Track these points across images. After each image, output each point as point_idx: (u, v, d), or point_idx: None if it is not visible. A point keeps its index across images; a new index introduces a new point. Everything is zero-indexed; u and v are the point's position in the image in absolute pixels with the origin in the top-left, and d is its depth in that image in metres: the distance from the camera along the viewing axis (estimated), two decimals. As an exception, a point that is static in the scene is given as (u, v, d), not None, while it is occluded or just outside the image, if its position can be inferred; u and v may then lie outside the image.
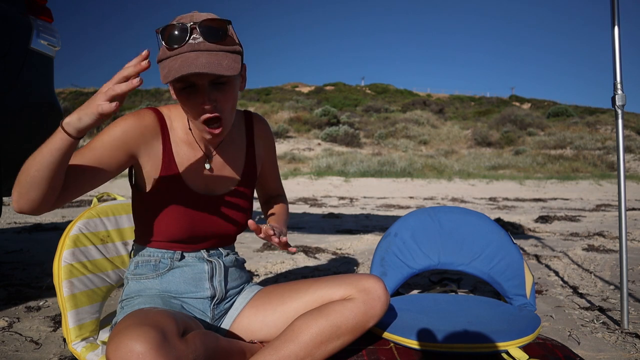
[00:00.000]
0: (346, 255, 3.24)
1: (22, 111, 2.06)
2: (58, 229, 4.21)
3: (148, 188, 1.17)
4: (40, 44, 2.13)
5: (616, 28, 1.71)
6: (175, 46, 1.00)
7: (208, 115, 1.06)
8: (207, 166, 1.21)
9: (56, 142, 0.92)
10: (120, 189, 11.05)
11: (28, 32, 2.07)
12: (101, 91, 0.88)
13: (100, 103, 0.88)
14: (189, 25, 1.00)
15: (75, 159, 1.04)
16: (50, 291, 2.14)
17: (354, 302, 1.19)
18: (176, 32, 0.99)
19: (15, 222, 4.74)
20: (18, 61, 2.02)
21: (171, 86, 1.08)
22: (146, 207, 1.19)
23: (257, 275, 2.62)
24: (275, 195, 1.49)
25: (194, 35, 1.00)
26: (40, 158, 0.93)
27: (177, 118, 1.20)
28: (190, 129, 1.19)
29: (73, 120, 0.90)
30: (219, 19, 1.02)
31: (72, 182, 1.02)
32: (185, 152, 1.19)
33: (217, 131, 1.09)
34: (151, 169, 1.16)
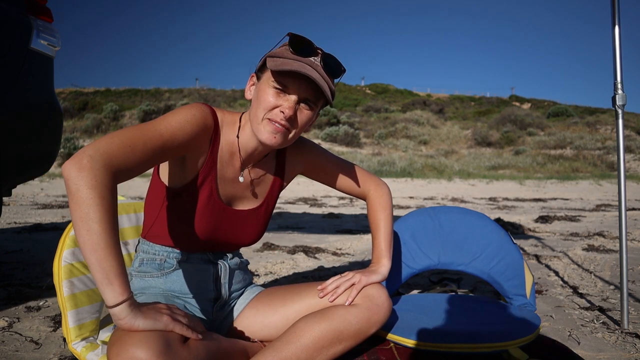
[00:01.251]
0: (346, 255, 3.24)
1: (22, 111, 2.06)
2: (58, 229, 4.21)
3: (178, 185, 1.15)
4: (40, 44, 2.13)
5: (616, 28, 1.71)
6: (298, 54, 1.07)
7: (279, 120, 1.07)
8: (241, 179, 1.20)
9: (101, 287, 0.87)
10: (120, 188, 11.05)
11: (28, 32, 2.07)
12: (170, 323, 0.92)
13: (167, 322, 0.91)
14: (316, 48, 1.09)
15: (144, 147, 0.96)
16: (50, 291, 2.14)
17: (358, 307, 1.19)
18: (306, 45, 1.08)
19: (15, 222, 4.74)
20: (18, 61, 2.02)
21: (253, 80, 1.14)
22: (168, 202, 1.17)
23: (257, 275, 2.62)
24: (366, 192, 1.41)
25: (316, 57, 1.09)
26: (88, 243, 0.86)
27: (227, 125, 1.17)
28: (237, 136, 1.16)
29: (127, 311, 0.88)
30: (339, 62, 1.11)
31: (133, 173, 0.96)
32: (226, 161, 1.18)
33: (278, 137, 1.08)
34: (191, 168, 1.14)
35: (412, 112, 27.63)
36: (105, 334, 1.26)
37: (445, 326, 1.39)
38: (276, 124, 1.07)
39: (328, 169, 1.37)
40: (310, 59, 1.07)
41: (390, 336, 1.38)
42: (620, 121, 1.71)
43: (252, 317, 1.27)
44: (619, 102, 1.70)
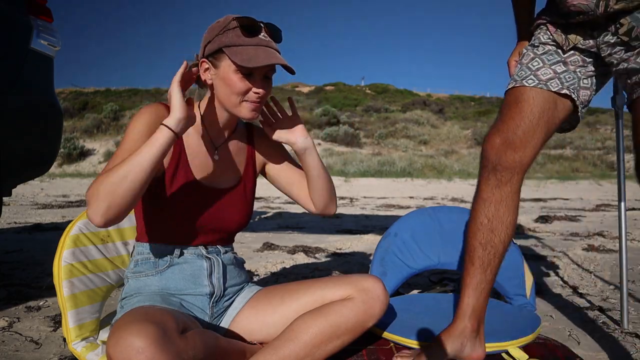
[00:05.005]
0: (346, 255, 3.24)
1: (22, 111, 2.06)
2: (58, 229, 4.21)
3: (155, 177, 1.18)
4: (40, 44, 2.13)
5: (616, 28, 1.70)
6: (251, 36, 1.14)
7: (255, 99, 1.16)
8: (217, 157, 1.26)
9: (158, 139, 1.04)
10: (120, 189, 11.03)
11: (28, 32, 2.07)
12: (172, 90, 1.09)
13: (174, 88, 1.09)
14: (258, 22, 1.16)
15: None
16: (50, 291, 2.14)
17: (353, 301, 1.20)
18: (252, 25, 1.15)
19: (15, 222, 4.75)
20: (18, 61, 2.02)
21: (207, 65, 1.17)
22: (150, 198, 1.20)
23: (257, 275, 2.62)
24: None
25: (263, 33, 1.16)
26: (142, 160, 1.02)
27: None
28: (202, 121, 1.23)
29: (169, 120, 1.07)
30: (276, 26, 1.20)
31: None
32: (195, 144, 1.24)
33: (257, 112, 1.19)
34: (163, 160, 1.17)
35: (412, 112, 27.59)
36: (105, 334, 1.26)
37: (445, 326, 1.39)
38: (254, 104, 1.17)
39: (287, 163, 1.39)
40: (260, 37, 1.14)
41: (390, 336, 1.38)
42: (620, 121, 1.71)
43: (252, 316, 1.28)
44: (618, 102, 1.70)
